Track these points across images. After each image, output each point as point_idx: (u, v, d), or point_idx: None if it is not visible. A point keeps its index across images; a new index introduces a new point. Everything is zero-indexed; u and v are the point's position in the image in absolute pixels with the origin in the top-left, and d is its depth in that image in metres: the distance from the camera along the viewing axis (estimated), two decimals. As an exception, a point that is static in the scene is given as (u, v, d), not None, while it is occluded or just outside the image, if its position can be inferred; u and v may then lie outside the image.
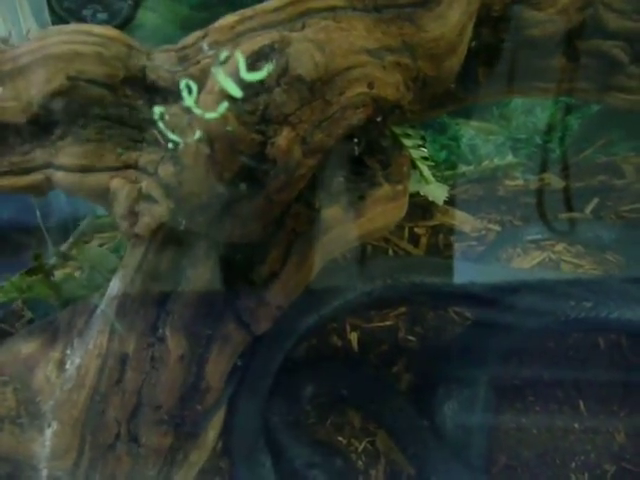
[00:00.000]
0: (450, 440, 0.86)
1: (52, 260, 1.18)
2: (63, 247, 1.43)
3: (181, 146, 0.64)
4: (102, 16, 1.43)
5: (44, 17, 1.46)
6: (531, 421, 0.90)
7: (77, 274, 1.19)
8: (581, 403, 0.93)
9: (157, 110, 0.62)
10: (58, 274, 1.08)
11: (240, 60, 0.55)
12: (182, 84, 0.57)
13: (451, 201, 1.41)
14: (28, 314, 1.14)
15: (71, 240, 1.47)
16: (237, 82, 0.55)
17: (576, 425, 0.90)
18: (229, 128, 0.56)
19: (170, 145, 0.61)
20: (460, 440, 0.85)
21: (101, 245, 1.39)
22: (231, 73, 0.55)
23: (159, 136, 0.68)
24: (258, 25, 0.68)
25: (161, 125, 0.61)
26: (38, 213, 1.39)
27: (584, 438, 0.88)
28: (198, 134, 0.57)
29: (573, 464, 0.85)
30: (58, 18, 1.40)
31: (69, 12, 1.43)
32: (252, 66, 0.56)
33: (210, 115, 0.55)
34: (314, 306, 0.95)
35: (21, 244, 1.38)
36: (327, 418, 0.91)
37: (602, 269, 1.20)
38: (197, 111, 0.56)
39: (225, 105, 0.55)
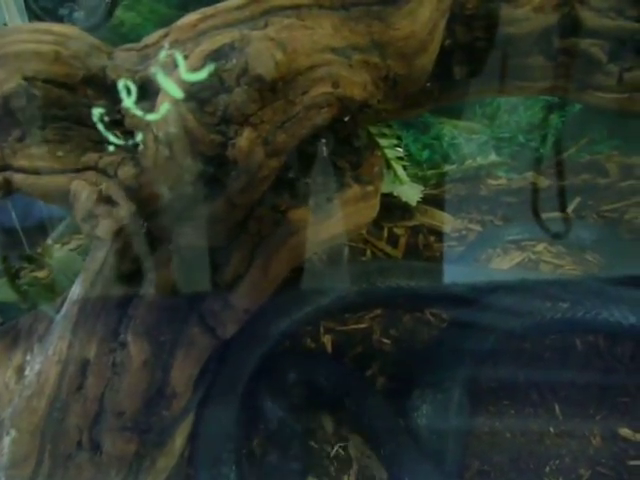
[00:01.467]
0: (424, 444, 0.84)
1: (18, 262, 1.16)
2: (39, 249, 1.41)
3: (140, 147, 0.62)
4: (78, 15, 1.41)
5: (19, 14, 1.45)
6: (505, 425, 0.89)
7: (42, 276, 1.17)
8: (556, 406, 0.92)
9: (96, 112, 0.60)
10: (29, 277, 1.05)
11: (180, 60, 0.54)
12: (120, 84, 0.56)
13: (432, 201, 1.40)
14: (-2, 317, 1.12)
15: (49, 242, 1.46)
16: (177, 83, 0.53)
17: (551, 429, 0.89)
18: (172, 130, 0.55)
19: (110, 144, 0.59)
20: (434, 444, 0.84)
21: (78, 247, 1.38)
22: (171, 73, 0.54)
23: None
24: (220, 23, 0.67)
25: (101, 127, 0.60)
26: (13, 214, 1.37)
27: (559, 442, 0.87)
28: (139, 136, 0.55)
29: (547, 468, 0.84)
30: (35, 16, 1.38)
31: (45, 11, 1.41)
32: (202, 66, 0.55)
33: (151, 116, 0.54)
34: (287, 309, 0.94)
35: None
36: (299, 423, 0.90)
37: (581, 269, 1.20)
38: (137, 112, 0.55)
39: (166, 106, 0.54)
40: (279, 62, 0.63)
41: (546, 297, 0.98)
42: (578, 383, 0.94)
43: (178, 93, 0.53)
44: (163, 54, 0.55)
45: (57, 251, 1.07)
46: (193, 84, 0.54)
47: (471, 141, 1.67)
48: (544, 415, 0.91)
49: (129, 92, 0.55)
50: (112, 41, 0.77)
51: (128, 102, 0.55)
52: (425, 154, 1.61)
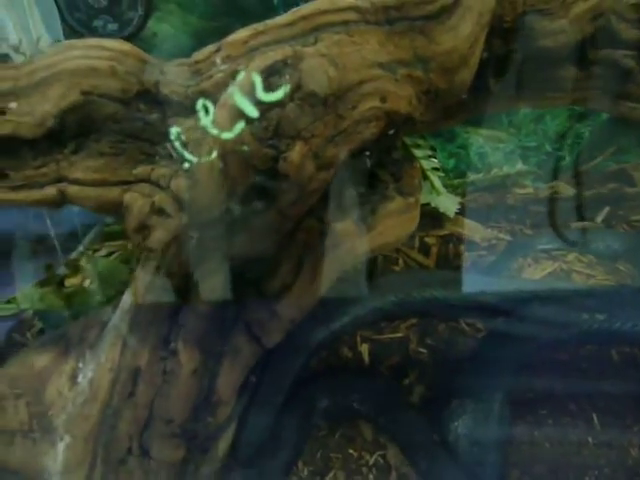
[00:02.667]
0: (464, 454, 0.85)
1: (61, 270, 1.19)
2: (72, 256, 1.44)
3: (195, 162, 0.64)
4: (113, 27, 1.44)
5: (55, 25, 1.48)
6: (544, 435, 0.89)
7: (86, 284, 1.20)
8: (595, 417, 0.92)
9: (174, 130, 0.62)
10: (74, 286, 1.08)
11: (257, 80, 0.55)
12: (199, 104, 0.57)
13: (461, 210, 1.41)
14: (38, 324, 1.14)
15: (80, 249, 1.48)
16: (253, 102, 0.55)
17: (590, 439, 0.89)
18: (245, 147, 0.56)
19: (186, 163, 0.61)
20: (474, 454, 0.84)
21: (110, 254, 1.40)
22: (247, 93, 0.55)
23: (174, 153, 0.68)
24: (271, 40, 0.69)
25: (178, 145, 0.61)
26: (48, 221, 1.40)
27: (598, 452, 0.87)
28: (214, 153, 0.57)
29: (586, 479, 0.84)
30: (70, 29, 1.41)
31: (80, 23, 1.44)
32: (267, 83, 0.56)
33: (227, 135, 0.55)
34: (326, 319, 0.95)
35: (31, 252, 1.39)
36: (338, 430, 0.91)
37: (614, 279, 1.20)
38: (213, 131, 0.56)
39: (241, 125, 0.55)
40: (331, 78, 0.64)
41: (582, 308, 0.98)
42: (615, 394, 0.94)
43: (254, 112, 0.55)
44: (241, 75, 0.56)
45: (101, 260, 1.08)
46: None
47: (497, 150, 1.67)
48: (582, 425, 0.91)
49: (207, 111, 0.57)
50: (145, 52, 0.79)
51: (205, 121, 0.57)
52: (451, 163, 1.62)
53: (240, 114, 0.56)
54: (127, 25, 1.46)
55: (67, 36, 1.47)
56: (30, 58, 0.71)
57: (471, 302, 1.03)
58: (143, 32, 1.46)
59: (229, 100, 0.56)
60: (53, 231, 1.41)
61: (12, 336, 1.15)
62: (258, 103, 0.56)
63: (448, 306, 1.03)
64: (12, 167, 0.70)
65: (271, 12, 1.62)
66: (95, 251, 1.42)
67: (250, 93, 0.55)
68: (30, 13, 1.50)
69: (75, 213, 1.53)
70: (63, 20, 1.43)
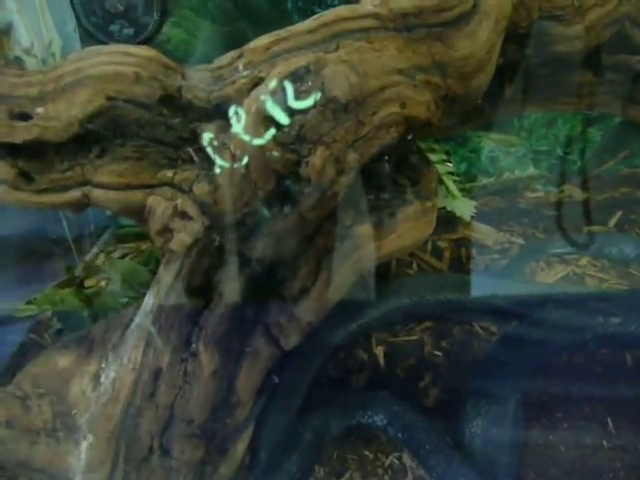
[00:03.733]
0: (479, 455, 0.85)
1: (79, 271, 1.20)
2: (87, 257, 1.46)
3: (220, 165, 0.65)
4: (128, 31, 1.45)
5: (67, 29, 1.49)
6: (559, 438, 0.89)
7: (103, 284, 1.21)
8: (609, 420, 0.92)
9: (206, 136, 0.63)
10: (95, 287, 1.09)
11: (289, 89, 0.56)
12: (231, 111, 0.58)
13: (473, 214, 1.41)
14: (56, 324, 1.15)
15: (95, 250, 1.50)
16: (284, 109, 0.56)
17: (604, 442, 0.89)
18: (275, 154, 0.57)
19: (217, 168, 0.62)
20: (489, 455, 0.85)
21: (124, 255, 1.41)
22: (279, 100, 0.56)
23: (195, 155, 0.69)
24: (293, 46, 0.70)
25: (210, 150, 0.62)
26: (65, 223, 1.41)
27: (613, 455, 0.88)
28: (245, 160, 0.58)
29: (602, 482, 0.85)
30: (86, 33, 1.43)
31: (97, 27, 1.46)
32: (298, 91, 0.57)
33: (257, 141, 0.56)
34: (343, 322, 0.96)
35: (46, 253, 1.41)
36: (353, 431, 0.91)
37: (627, 283, 1.20)
38: (245, 137, 0.57)
39: (272, 132, 0.56)
40: (353, 84, 0.65)
41: (596, 311, 0.98)
42: (630, 397, 0.95)
43: (285, 120, 0.56)
44: (273, 84, 0.57)
45: (121, 262, 1.10)
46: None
47: (509, 154, 1.68)
48: (597, 429, 0.91)
49: (239, 118, 0.58)
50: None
51: (237, 127, 0.58)
52: (463, 167, 1.62)
53: (271, 121, 0.57)
54: (143, 30, 1.47)
55: (83, 40, 1.49)
56: (57, 63, 0.72)
57: (485, 305, 1.04)
58: (157, 37, 1.48)
59: (260, 107, 0.57)
60: (69, 232, 1.43)
61: (30, 336, 1.17)
62: (289, 110, 0.57)
63: (462, 309, 1.04)
64: (38, 171, 0.72)
65: (284, 17, 1.64)
66: (109, 252, 1.44)
67: (281, 101, 0.57)
68: (42, 16, 1.52)
69: (89, 215, 1.55)
70: (80, 24, 1.44)
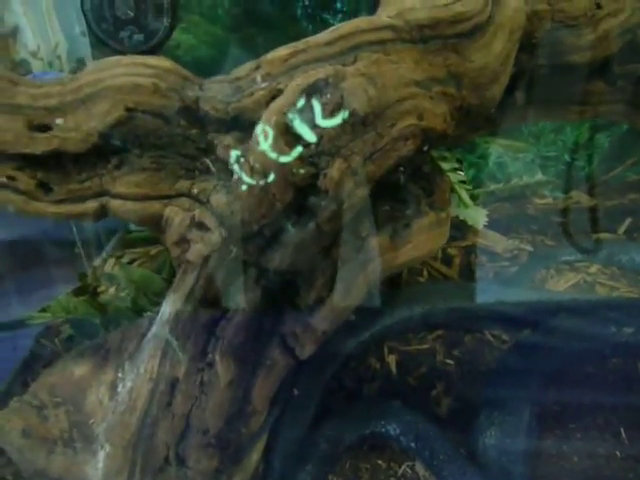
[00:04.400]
0: (492, 465, 0.86)
1: (90, 278, 1.20)
2: (96, 262, 1.46)
3: (252, 181, 0.65)
4: (139, 37, 1.45)
5: (73, 32, 1.50)
6: (572, 448, 0.89)
7: (113, 290, 1.21)
8: (622, 430, 0.92)
9: (234, 154, 0.63)
10: (109, 295, 1.09)
11: (317, 107, 0.57)
12: (259, 129, 0.59)
13: (482, 220, 1.42)
14: (68, 330, 1.16)
15: (104, 256, 1.50)
16: (312, 127, 0.56)
17: (618, 453, 0.89)
18: (302, 170, 0.58)
19: (243, 185, 0.62)
20: (503, 465, 0.85)
21: (132, 261, 1.42)
22: (307, 120, 0.57)
23: (212, 166, 0.70)
24: (311, 58, 0.70)
25: (236, 168, 0.63)
26: (74, 228, 1.42)
27: (626, 466, 0.88)
28: (271, 177, 0.58)
29: (614, 491, 0.85)
30: (96, 39, 1.43)
31: (107, 34, 1.46)
32: (325, 109, 0.57)
33: (284, 159, 0.57)
34: (355, 330, 0.96)
35: (54, 258, 1.41)
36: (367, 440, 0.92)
37: (638, 292, 1.20)
38: (272, 155, 0.58)
39: (299, 150, 0.57)
40: (372, 97, 0.66)
41: (608, 321, 0.98)
42: (642, 407, 0.95)
43: (313, 138, 0.56)
44: (301, 102, 0.57)
45: (135, 269, 1.10)
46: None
47: (517, 160, 1.68)
48: (610, 439, 0.91)
49: (266, 136, 0.58)
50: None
51: (264, 145, 0.58)
52: (471, 173, 1.62)
53: (298, 138, 0.57)
54: (153, 36, 1.47)
55: (93, 46, 1.50)
56: (75, 74, 0.72)
57: (496, 313, 1.04)
58: (167, 42, 1.48)
59: (288, 125, 0.57)
60: (78, 238, 1.43)
61: (40, 341, 1.17)
62: (316, 128, 0.57)
63: (474, 317, 1.04)
64: (56, 181, 0.72)
65: (293, 22, 1.64)
66: (118, 258, 1.44)
67: (309, 119, 0.57)
68: (48, 19, 1.53)
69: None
70: (90, 31, 1.45)
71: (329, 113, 0.58)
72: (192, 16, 1.57)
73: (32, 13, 1.49)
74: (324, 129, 0.63)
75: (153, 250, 1.42)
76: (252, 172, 0.60)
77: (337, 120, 0.58)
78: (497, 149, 1.66)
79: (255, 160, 0.60)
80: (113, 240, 1.57)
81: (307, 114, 0.57)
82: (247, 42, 1.60)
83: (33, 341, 1.18)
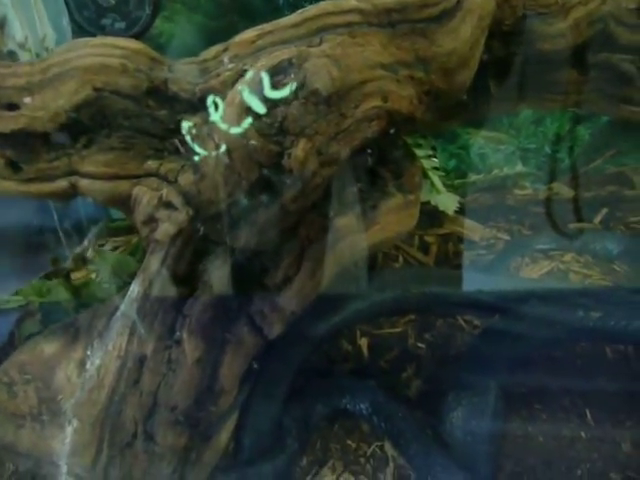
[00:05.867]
0: (458, 445, 0.87)
1: (68, 263, 1.21)
2: (78, 249, 1.46)
3: (202, 156, 0.66)
4: (120, 25, 1.45)
5: (61, 23, 1.50)
6: (538, 429, 0.91)
7: (93, 277, 1.22)
8: (588, 412, 0.94)
9: (185, 125, 0.64)
10: (84, 278, 1.10)
11: (265, 78, 0.58)
12: (209, 100, 0.60)
13: (461, 209, 1.43)
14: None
15: (86, 243, 1.51)
16: (261, 99, 0.57)
17: (583, 434, 0.91)
18: (253, 142, 0.59)
19: (196, 156, 0.63)
20: (469, 445, 0.87)
21: (115, 249, 1.42)
22: (255, 90, 0.58)
23: (180, 146, 0.71)
24: (277, 40, 0.71)
25: (189, 139, 0.64)
26: (55, 215, 1.42)
27: (590, 446, 0.90)
28: (223, 147, 0.59)
29: (579, 471, 0.87)
30: (78, 27, 1.43)
31: (88, 21, 1.46)
32: (275, 82, 0.59)
33: (235, 130, 0.58)
34: (327, 313, 0.97)
35: (37, 245, 1.41)
36: (337, 421, 0.93)
37: (610, 279, 1.22)
38: (222, 126, 0.59)
39: (249, 120, 0.58)
40: (335, 78, 0.67)
41: (577, 307, 1.00)
42: (608, 390, 0.96)
43: (262, 109, 0.57)
44: (250, 74, 0.58)
45: (109, 253, 1.11)
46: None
47: (498, 151, 1.69)
48: (576, 420, 0.93)
49: (216, 107, 0.59)
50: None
51: (215, 117, 0.59)
52: (452, 163, 1.64)
53: (248, 110, 0.58)
54: (134, 24, 1.47)
55: (75, 34, 1.49)
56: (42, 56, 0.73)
57: (469, 299, 1.06)
58: (149, 31, 1.48)
59: (238, 97, 0.58)
60: (59, 225, 1.44)
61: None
62: (265, 100, 0.58)
63: (446, 303, 1.05)
64: (25, 160, 0.73)
65: (276, 11, 1.65)
66: (100, 246, 1.45)
67: (258, 90, 0.58)
68: (36, 10, 1.53)
69: (80, 208, 1.55)
70: (72, 18, 1.45)
71: (279, 86, 0.58)
72: (174, 4, 1.57)
73: (20, 4, 1.49)
74: (288, 108, 0.65)
75: (135, 238, 1.42)
76: (210, 145, 0.61)
77: (286, 92, 0.59)
78: (478, 140, 1.67)
79: (212, 133, 0.61)
80: (96, 228, 1.58)
81: (256, 86, 0.58)
82: (229, 30, 1.61)
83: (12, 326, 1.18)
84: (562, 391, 0.97)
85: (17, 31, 1.50)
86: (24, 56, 1.57)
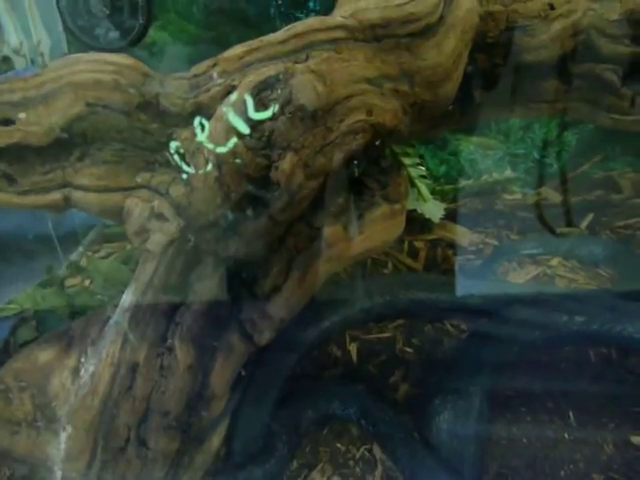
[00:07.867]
0: (445, 447, 0.89)
1: (63, 271, 1.23)
2: (72, 256, 1.48)
3: (192, 170, 0.69)
4: (114, 35, 1.47)
5: (56, 29, 1.52)
6: (522, 431, 0.93)
7: (86, 284, 1.24)
8: (571, 414, 0.96)
9: (173, 144, 0.66)
10: (78, 286, 1.12)
11: (249, 101, 0.60)
12: (196, 122, 0.62)
13: (450, 215, 1.46)
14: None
15: (80, 250, 1.52)
16: (245, 120, 0.59)
17: (566, 435, 0.93)
18: (238, 160, 0.61)
19: (184, 174, 0.65)
20: (455, 447, 0.89)
21: (109, 255, 1.44)
22: (240, 112, 0.60)
23: (172, 159, 0.73)
24: (265, 56, 0.73)
25: (177, 157, 0.66)
26: (50, 223, 1.44)
27: (573, 448, 0.92)
28: (210, 165, 0.61)
29: (562, 472, 0.89)
30: (72, 36, 1.45)
31: (82, 30, 1.48)
32: (259, 102, 0.61)
33: (221, 149, 0.60)
34: (317, 319, 0.99)
35: (31, 252, 1.43)
36: (326, 425, 0.95)
37: (595, 284, 1.24)
38: (209, 146, 0.61)
39: (234, 140, 0.60)
40: (320, 93, 0.69)
41: (562, 311, 1.02)
42: (592, 393, 0.99)
43: (245, 129, 0.59)
44: (234, 96, 0.61)
45: (102, 262, 1.13)
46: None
47: (487, 157, 1.72)
48: (559, 422, 0.95)
49: (203, 128, 0.61)
50: (143, 60, 0.83)
51: (201, 137, 0.61)
52: (442, 169, 1.67)
53: (233, 130, 0.60)
54: (128, 33, 1.49)
55: (69, 42, 1.51)
56: (39, 70, 0.75)
57: (456, 304, 1.08)
58: (143, 40, 1.50)
59: (223, 118, 0.61)
60: (54, 233, 1.45)
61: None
62: (249, 121, 0.60)
63: (434, 308, 1.08)
64: (20, 173, 0.75)
65: (267, 22, 1.67)
66: (95, 252, 1.46)
67: (242, 112, 0.60)
68: (31, 16, 1.54)
69: (75, 215, 1.57)
70: (66, 27, 1.46)
71: (261, 108, 0.61)
72: (167, 14, 1.59)
73: (15, 10, 1.50)
74: (275, 123, 0.67)
75: (129, 245, 1.44)
76: (200, 160, 0.64)
77: (268, 114, 0.61)
78: (468, 146, 1.70)
79: (194, 150, 0.63)
80: (90, 235, 1.60)
81: (240, 107, 0.61)
82: (222, 40, 1.63)
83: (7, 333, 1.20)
84: (546, 394, 0.99)
85: (12, 37, 1.52)
86: (19, 62, 1.58)
